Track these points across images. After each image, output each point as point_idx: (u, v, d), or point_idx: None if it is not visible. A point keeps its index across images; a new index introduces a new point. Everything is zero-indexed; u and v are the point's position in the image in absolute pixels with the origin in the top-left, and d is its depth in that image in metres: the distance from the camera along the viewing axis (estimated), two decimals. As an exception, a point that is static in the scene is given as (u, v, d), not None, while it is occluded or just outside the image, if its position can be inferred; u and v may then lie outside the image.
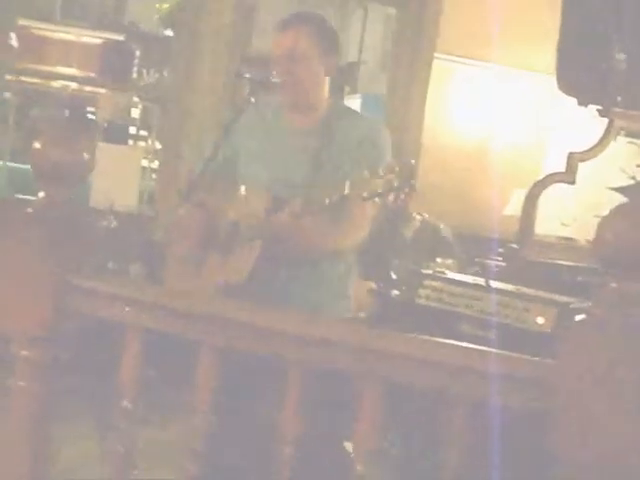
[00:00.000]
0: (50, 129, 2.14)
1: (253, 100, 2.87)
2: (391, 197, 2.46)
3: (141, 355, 2.09)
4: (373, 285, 5.19)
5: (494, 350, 1.92)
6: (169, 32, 10.91)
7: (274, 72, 2.86)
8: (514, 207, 6.66)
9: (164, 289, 2.14)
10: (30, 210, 2.13)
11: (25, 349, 2.13)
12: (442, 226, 5.94)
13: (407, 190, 2.45)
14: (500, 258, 5.47)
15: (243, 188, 2.89)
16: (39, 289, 2.09)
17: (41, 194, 2.14)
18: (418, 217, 5.97)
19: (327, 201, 2.55)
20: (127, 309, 1.98)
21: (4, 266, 2.17)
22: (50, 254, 2.08)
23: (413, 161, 2.61)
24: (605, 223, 1.79)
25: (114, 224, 5.31)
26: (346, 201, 2.51)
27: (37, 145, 2.10)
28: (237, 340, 2.00)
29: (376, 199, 2.47)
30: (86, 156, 2.10)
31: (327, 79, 2.96)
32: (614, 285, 1.78)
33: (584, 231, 5.48)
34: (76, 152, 2.07)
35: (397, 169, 2.45)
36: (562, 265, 5.27)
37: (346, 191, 2.49)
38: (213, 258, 2.82)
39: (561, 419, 1.77)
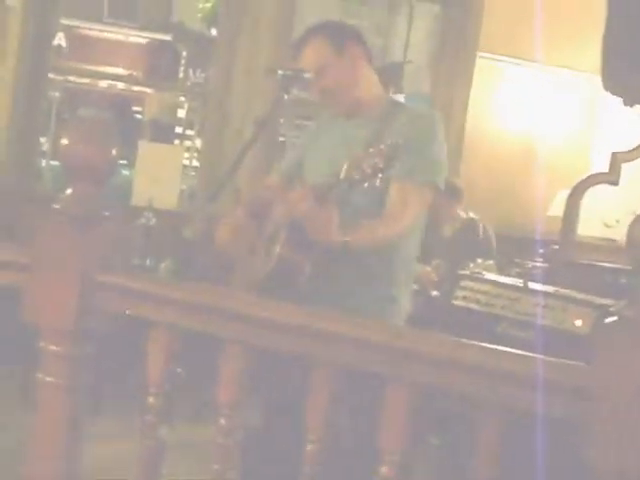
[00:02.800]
0: (77, 125, 2.14)
1: (286, 97, 2.86)
2: (377, 181, 2.42)
3: (167, 352, 2.08)
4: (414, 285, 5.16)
5: (530, 354, 1.88)
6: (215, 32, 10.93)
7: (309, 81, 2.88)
8: (558, 208, 6.58)
9: (189, 286, 2.13)
10: (57, 206, 2.13)
11: (53, 344, 2.14)
12: (482, 226, 5.85)
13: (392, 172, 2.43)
14: (541, 259, 5.41)
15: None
16: (66, 285, 2.09)
17: (69, 190, 2.14)
18: (462, 215, 5.89)
19: (326, 186, 2.53)
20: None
21: (37, 261, 2.17)
22: (76, 250, 2.08)
23: (400, 141, 2.52)
24: (635, 224, 1.74)
25: (152, 222, 5.32)
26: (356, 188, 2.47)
27: (64, 141, 2.10)
28: (264, 338, 1.98)
29: (365, 184, 2.43)
30: (113, 152, 2.09)
31: (365, 70, 2.94)
32: (647, 286, 1.73)
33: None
34: (103, 148, 2.06)
35: (384, 149, 2.40)
36: (605, 267, 5.19)
37: (342, 175, 2.46)
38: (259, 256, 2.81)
39: (594, 426, 1.72)
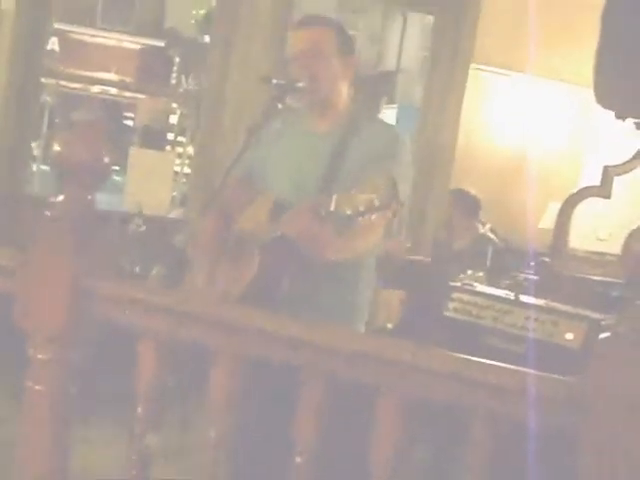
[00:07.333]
0: (70, 130, 2.12)
1: (280, 106, 2.83)
2: (374, 217, 2.39)
3: (157, 361, 2.06)
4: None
5: (518, 368, 1.86)
6: (209, 38, 10.92)
7: (292, 68, 2.84)
8: (549, 220, 6.58)
9: (179, 294, 2.11)
10: (48, 212, 2.11)
11: (41, 351, 2.11)
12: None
13: (389, 212, 2.38)
14: (532, 271, 5.40)
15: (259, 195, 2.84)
16: (55, 291, 2.07)
17: (60, 196, 2.12)
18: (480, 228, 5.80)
19: (318, 215, 2.50)
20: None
21: (27, 266, 2.15)
22: (66, 256, 2.06)
23: (396, 181, 2.44)
24: (633, 237, 1.74)
25: (142, 228, 5.30)
26: (336, 216, 2.44)
27: (57, 146, 2.08)
28: (254, 348, 1.96)
29: (360, 218, 2.39)
30: (106, 159, 2.07)
31: (347, 83, 2.93)
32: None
33: (620, 246, 5.36)
34: (96, 154, 2.04)
35: (381, 188, 2.37)
36: (596, 280, 5.19)
37: (332, 207, 2.42)
38: (222, 266, 2.76)
39: (584, 442, 1.70)
